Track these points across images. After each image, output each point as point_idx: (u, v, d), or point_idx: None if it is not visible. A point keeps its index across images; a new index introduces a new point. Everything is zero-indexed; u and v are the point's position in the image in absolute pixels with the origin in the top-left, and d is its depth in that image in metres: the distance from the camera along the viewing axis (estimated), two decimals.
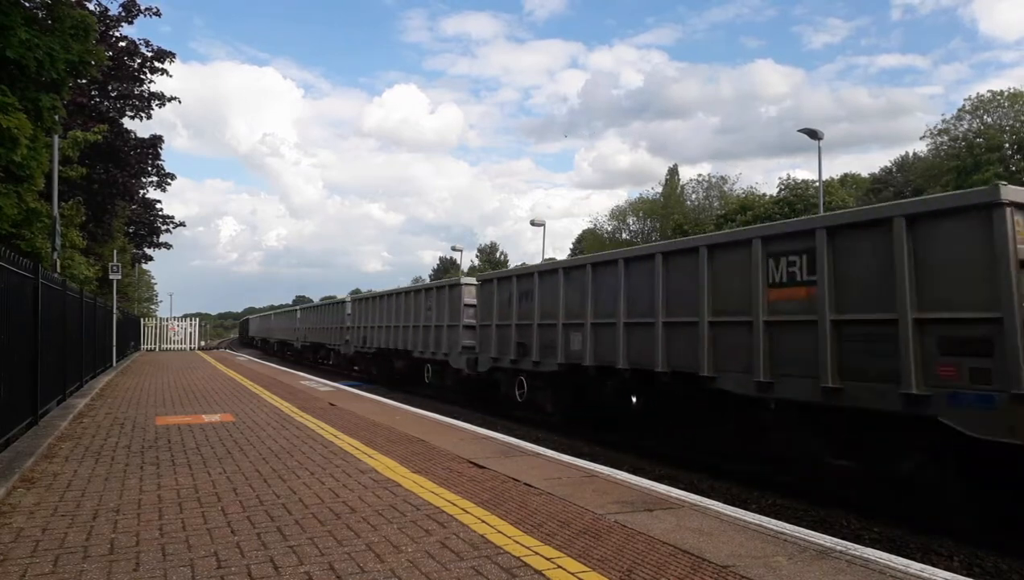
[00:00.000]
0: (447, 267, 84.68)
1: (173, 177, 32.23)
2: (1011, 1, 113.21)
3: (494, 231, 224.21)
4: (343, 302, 31.31)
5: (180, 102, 27.76)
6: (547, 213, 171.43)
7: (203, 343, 53.31)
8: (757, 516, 5.15)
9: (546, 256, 46.55)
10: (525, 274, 14.77)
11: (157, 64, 25.37)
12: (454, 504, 5.21)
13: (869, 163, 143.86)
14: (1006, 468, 6.32)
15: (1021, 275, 6.30)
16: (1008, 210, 6.39)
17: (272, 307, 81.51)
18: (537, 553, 4.09)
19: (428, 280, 73.74)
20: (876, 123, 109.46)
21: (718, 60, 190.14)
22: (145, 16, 23.29)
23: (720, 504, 5.55)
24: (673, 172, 70.60)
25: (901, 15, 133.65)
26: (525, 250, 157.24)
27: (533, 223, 43.57)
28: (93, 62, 11.06)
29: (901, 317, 7.00)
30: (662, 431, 10.88)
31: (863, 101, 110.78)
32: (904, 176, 55.42)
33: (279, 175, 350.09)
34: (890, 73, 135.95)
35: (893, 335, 7.06)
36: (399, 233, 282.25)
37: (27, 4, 10.05)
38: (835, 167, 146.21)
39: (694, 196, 68.90)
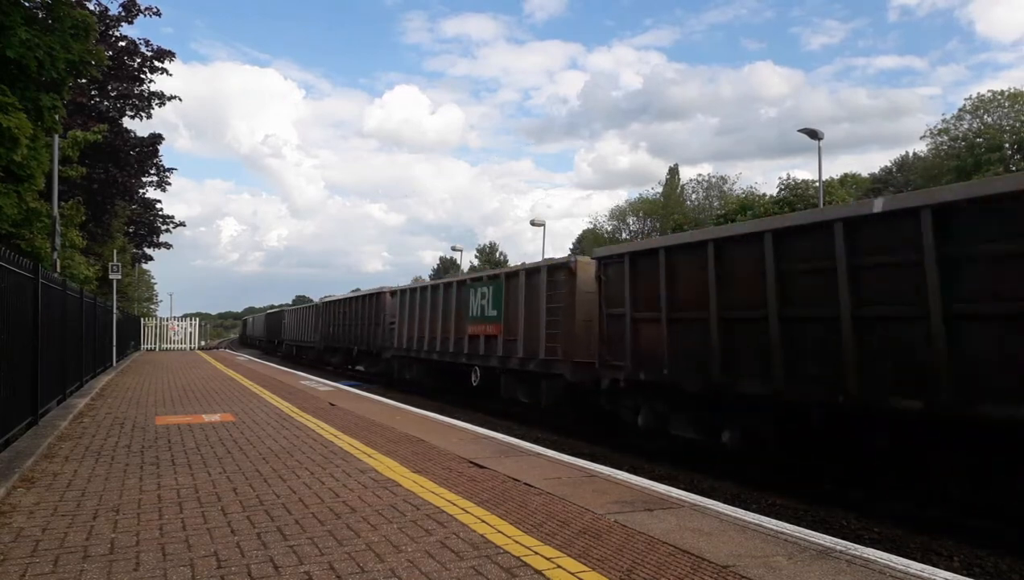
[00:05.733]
0: (447, 267, 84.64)
1: (173, 171, 32.23)
2: (1008, 3, 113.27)
3: (494, 231, 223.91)
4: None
5: (180, 101, 27.88)
6: (547, 213, 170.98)
7: (203, 343, 53.27)
8: (757, 516, 5.15)
9: (546, 256, 46.50)
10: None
11: (157, 63, 25.42)
12: (454, 504, 5.21)
13: (869, 163, 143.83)
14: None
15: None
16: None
17: (271, 306, 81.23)
18: (537, 553, 4.09)
19: (428, 280, 73.47)
20: (876, 124, 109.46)
21: (717, 61, 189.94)
22: (145, 16, 23.36)
23: (720, 504, 5.55)
24: (673, 172, 70.74)
25: (898, 16, 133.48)
26: (525, 250, 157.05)
27: (533, 223, 43.53)
28: (93, 62, 11.06)
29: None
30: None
31: (862, 102, 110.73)
32: (904, 176, 55.46)
33: (280, 176, 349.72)
34: (888, 74, 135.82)
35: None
36: (399, 233, 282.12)
37: (27, 4, 10.05)
38: (835, 167, 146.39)
39: (694, 196, 69.05)
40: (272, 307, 77.15)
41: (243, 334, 79.89)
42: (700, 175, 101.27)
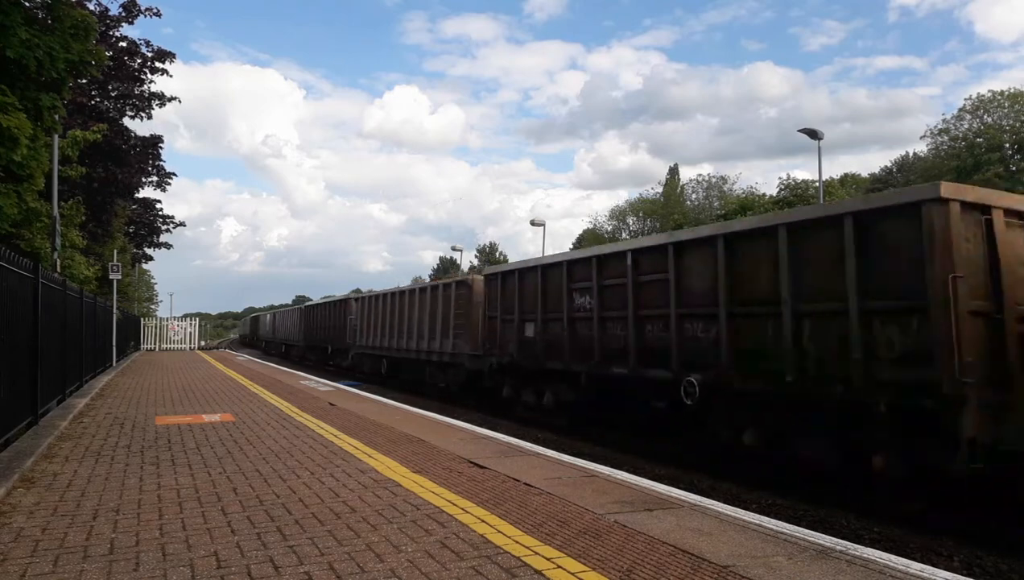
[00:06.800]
0: (447, 267, 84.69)
1: (173, 175, 32.24)
2: (1007, 3, 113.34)
3: (494, 231, 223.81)
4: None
5: (180, 102, 27.85)
6: (547, 213, 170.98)
7: (203, 343, 53.24)
8: (757, 516, 5.15)
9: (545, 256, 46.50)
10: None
11: (157, 64, 25.46)
12: (454, 504, 5.21)
13: (869, 163, 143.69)
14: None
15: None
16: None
17: (272, 306, 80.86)
18: (537, 553, 4.09)
19: (428, 280, 73.23)
20: (876, 124, 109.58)
21: (716, 62, 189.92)
22: (145, 16, 23.41)
23: (720, 504, 5.55)
24: (673, 172, 70.85)
25: (898, 17, 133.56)
26: (525, 250, 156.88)
27: (533, 223, 43.54)
28: (93, 62, 11.07)
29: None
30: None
31: (862, 102, 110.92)
32: (904, 176, 55.45)
33: (281, 176, 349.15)
34: (888, 74, 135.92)
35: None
36: (400, 233, 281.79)
37: (27, 4, 10.05)
38: (835, 168, 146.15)
39: (694, 196, 69.12)
40: (273, 307, 76.03)
41: (252, 334, 66.50)
42: (700, 175, 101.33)
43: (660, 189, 70.79)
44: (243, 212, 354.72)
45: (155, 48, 25.45)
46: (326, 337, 32.40)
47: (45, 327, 8.92)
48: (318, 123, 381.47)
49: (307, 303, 43.07)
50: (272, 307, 76.28)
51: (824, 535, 4.71)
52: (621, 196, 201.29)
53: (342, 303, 30.66)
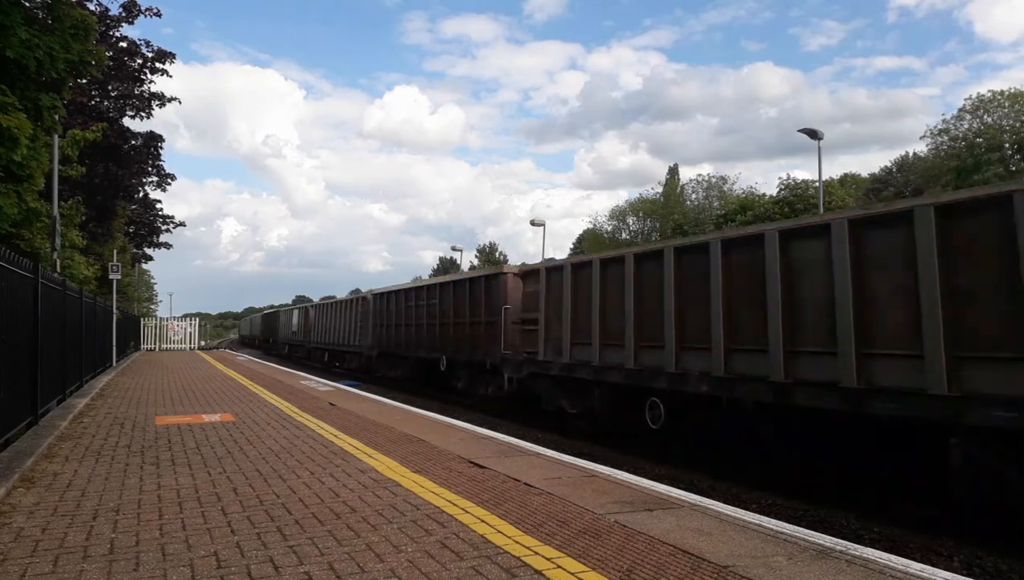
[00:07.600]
0: (447, 267, 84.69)
1: (173, 177, 32.26)
2: (1007, 3, 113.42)
3: (494, 231, 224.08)
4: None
5: (180, 103, 27.87)
6: (547, 213, 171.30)
7: (203, 343, 53.22)
8: (757, 516, 5.14)
9: (546, 256, 46.59)
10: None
11: (158, 64, 25.47)
12: (454, 504, 5.21)
13: (869, 163, 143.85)
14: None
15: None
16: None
17: (271, 306, 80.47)
18: (537, 553, 4.09)
19: (427, 279, 72.62)
20: (876, 124, 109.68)
21: (716, 62, 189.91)
22: (146, 16, 23.44)
23: (720, 504, 5.55)
24: (673, 172, 70.83)
25: (897, 17, 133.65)
26: (525, 250, 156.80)
27: (533, 223, 43.57)
28: (93, 62, 11.08)
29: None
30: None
31: (862, 102, 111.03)
32: (904, 176, 55.48)
33: (281, 176, 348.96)
34: (887, 75, 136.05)
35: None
36: (400, 233, 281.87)
37: (27, 4, 10.05)
38: (834, 168, 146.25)
39: (694, 196, 69.09)
40: (272, 307, 75.18)
41: (264, 336, 55.99)
42: (700, 175, 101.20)
43: (660, 189, 70.74)
44: (243, 212, 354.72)
45: (155, 48, 25.50)
46: (433, 342, 19.68)
47: (45, 327, 8.91)
48: (318, 123, 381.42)
49: (380, 289, 26.04)
50: (272, 307, 75.30)
51: (824, 535, 4.71)
52: (621, 196, 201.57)
53: (480, 282, 17.12)
